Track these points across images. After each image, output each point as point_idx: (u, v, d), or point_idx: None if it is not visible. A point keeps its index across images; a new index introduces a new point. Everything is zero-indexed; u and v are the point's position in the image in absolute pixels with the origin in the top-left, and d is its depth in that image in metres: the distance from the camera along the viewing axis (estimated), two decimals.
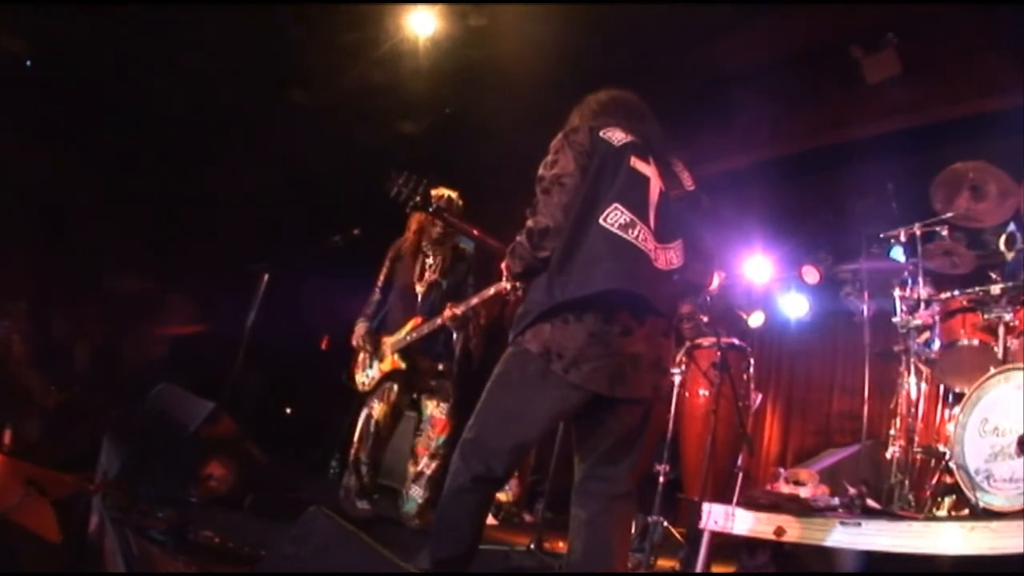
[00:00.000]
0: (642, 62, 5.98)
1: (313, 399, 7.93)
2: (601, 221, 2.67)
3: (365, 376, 5.01)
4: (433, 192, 4.64)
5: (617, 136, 2.85)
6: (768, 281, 6.72)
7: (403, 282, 5.01)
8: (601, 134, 2.85)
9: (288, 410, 8.48)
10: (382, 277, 5.10)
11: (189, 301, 7.55)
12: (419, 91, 7.11)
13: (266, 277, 5.27)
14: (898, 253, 4.94)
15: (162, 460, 3.84)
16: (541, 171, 2.82)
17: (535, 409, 2.68)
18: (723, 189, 6.63)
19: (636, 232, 2.67)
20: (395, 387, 4.92)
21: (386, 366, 4.91)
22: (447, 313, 4.68)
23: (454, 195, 4.86)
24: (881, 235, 4.94)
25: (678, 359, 5.37)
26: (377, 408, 4.89)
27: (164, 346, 7.45)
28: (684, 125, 6.27)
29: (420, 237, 5.02)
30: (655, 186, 2.82)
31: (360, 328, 5.02)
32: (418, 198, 3.75)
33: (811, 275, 6.38)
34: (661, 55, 6.20)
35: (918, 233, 4.71)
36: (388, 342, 4.94)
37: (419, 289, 4.98)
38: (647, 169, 2.83)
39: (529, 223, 2.77)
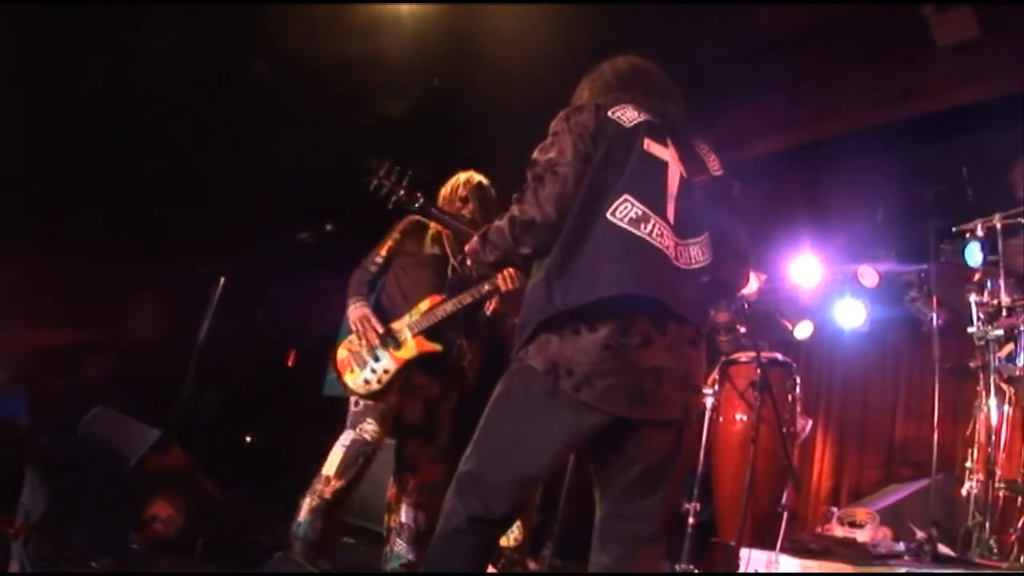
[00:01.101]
0: (664, 27, 5.93)
1: (278, 424, 7.89)
2: (608, 215, 2.65)
3: (371, 372, 4.41)
4: (457, 179, 4.62)
5: (628, 115, 2.84)
6: (818, 285, 6.70)
7: (420, 257, 4.62)
8: (610, 113, 2.83)
9: (248, 437, 8.45)
10: (384, 251, 4.65)
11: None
12: (403, 63, 7.09)
13: (222, 281, 5.25)
14: (974, 251, 4.88)
15: (97, 498, 3.81)
16: (536, 154, 2.81)
17: (542, 436, 2.64)
18: (763, 175, 6.66)
19: (650, 227, 2.65)
20: (391, 401, 4.40)
21: (407, 352, 4.40)
22: (505, 272, 4.19)
23: (485, 181, 4.65)
24: (954, 229, 4.92)
25: (711, 378, 5.35)
26: (375, 433, 4.32)
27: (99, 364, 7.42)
28: (714, 101, 6.30)
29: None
30: (674, 172, 2.80)
31: (360, 308, 4.49)
32: (402, 192, 3.71)
33: (869, 277, 6.36)
34: (686, 19, 6.16)
35: (999, 226, 4.69)
36: (398, 326, 4.46)
37: (448, 265, 4.59)
38: (664, 152, 2.81)
39: (513, 210, 2.75)
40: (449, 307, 4.37)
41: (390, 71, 7.14)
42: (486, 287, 4.29)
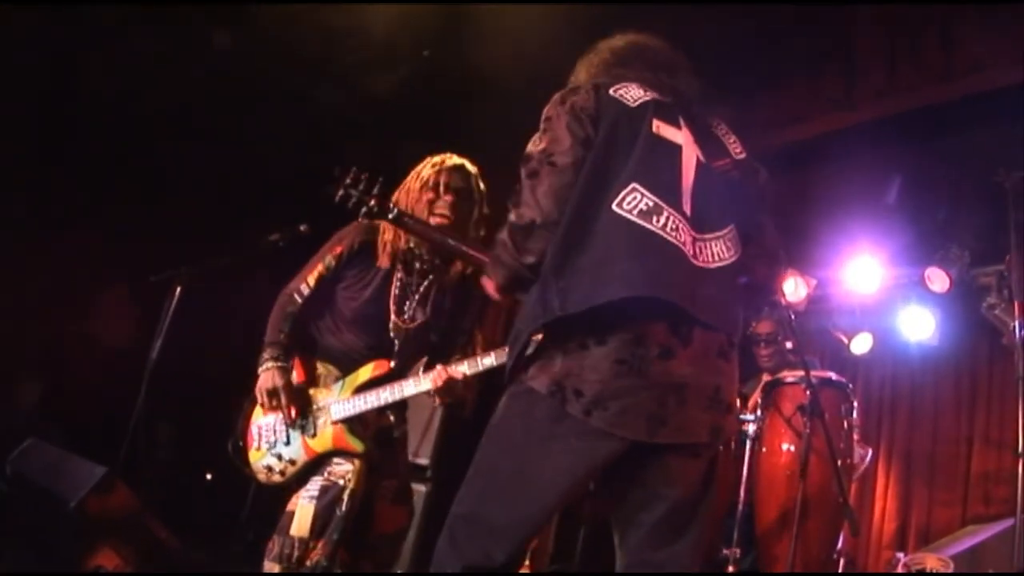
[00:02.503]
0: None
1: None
2: (614, 207, 2.64)
3: (276, 458, 4.17)
4: (424, 164, 4.35)
5: (633, 93, 2.84)
6: (878, 291, 6.69)
7: (365, 299, 4.25)
8: (612, 92, 2.83)
9: (208, 475, 8.45)
10: (313, 279, 4.22)
11: None
12: (389, 36, 7.11)
13: (178, 290, 5.26)
14: None
15: (30, 547, 3.83)
16: (529, 146, 2.81)
17: (549, 470, 2.61)
18: (812, 161, 6.65)
19: (663, 220, 2.63)
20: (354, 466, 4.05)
21: (321, 445, 4.09)
22: (441, 378, 3.93)
23: (471, 169, 4.33)
24: None
25: (752, 401, 5.34)
26: (350, 472, 4.01)
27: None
28: (751, 75, 6.30)
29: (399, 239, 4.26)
30: (689, 156, 2.79)
31: (272, 373, 4.12)
32: (372, 202, 3.71)
33: (939, 281, 6.35)
34: None
35: None
36: (322, 401, 4.16)
37: (396, 335, 4.25)
38: (677, 134, 2.81)
39: (511, 216, 2.74)
40: (385, 395, 4.04)
41: (373, 45, 7.16)
42: (420, 384, 3.97)
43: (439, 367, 3.95)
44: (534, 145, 2.80)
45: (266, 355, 4.14)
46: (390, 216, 3.85)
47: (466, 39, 7.01)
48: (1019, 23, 5.93)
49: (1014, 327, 5.03)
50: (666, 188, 2.69)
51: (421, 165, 4.35)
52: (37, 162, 7.07)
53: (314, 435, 4.08)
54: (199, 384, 7.14)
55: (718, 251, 2.73)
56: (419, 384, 3.98)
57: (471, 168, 4.38)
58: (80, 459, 4.36)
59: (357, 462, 4.02)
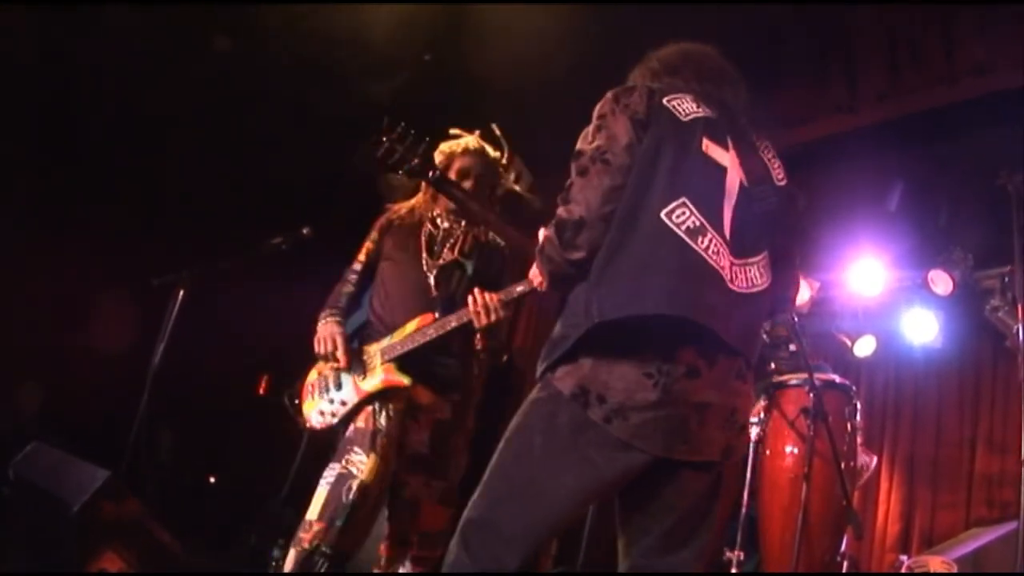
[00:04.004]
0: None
1: (247, 462, 7.90)
2: (663, 215, 2.63)
3: (328, 402, 4.35)
4: (463, 142, 4.47)
5: (685, 107, 2.83)
6: (881, 293, 6.68)
7: (402, 262, 4.51)
8: (665, 101, 2.82)
9: (211, 478, 8.45)
10: (363, 255, 4.60)
11: None
12: (389, 39, 7.11)
13: (181, 294, 5.26)
14: None
15: (31, 552, 3.81)
16: (580, 144, 2.81)
17: (566, 479, 2.62)
18: (814, 162, 6.64)
19: (706, 242, 2.63)
20: (391, 427, 4.21)
21: (371, 384, 4.27)
22: (478, 301, 4.07)
23: (491, 153, 4.52)
24: None
25: (756, 406, 5.33)
26: (364, 463, 4.11)
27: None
28: (758, 76, 6.27)
29: (429, 202, 4.62)
30: (733, 180, 2.79)
31: (329, 325, 4.45)
32: (416, 160, 3.64)
33: (942, 283, 6.34)
34: None
35: None
36: (372, 349, 4.35)
37: (430, 273, 4.46)
38: (724, 156, 2.80)
39: (560, 211, 2.74)
40: (431, 332, 4.24)
41: (375, 50, 7.16)
42: (463, 317, 4.14)
43: (475, 291, 4.08)
44: (586, 142, 2.79)
45: (324, 313, 4.49)
46: (431, 176, 3.80)
47: (466, 42, 7.01)
48: (1021, 24, 5.92)
49: (1017, 330, 5.02)
50: (710, 209, 2.70)
51: (446, 144, 4.48)
52: (37, 164, 7.07)
53: (364, 376, 4.29)
54: (202, 388, 7.15)
55: (752, 277, 2.75)
56: (461, 318, 4.14)
57: (491, 153, 4.53)
58: (83, 463, 4.34)
59: (374, 456, 4.11)
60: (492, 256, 4.58)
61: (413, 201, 4.63)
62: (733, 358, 2.70)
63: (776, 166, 2.96)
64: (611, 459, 2.59)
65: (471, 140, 4.51)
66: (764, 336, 5.79)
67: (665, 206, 2.63)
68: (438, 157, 4.38)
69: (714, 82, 2.98)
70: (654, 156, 2.71)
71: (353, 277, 4.57)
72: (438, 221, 4.58)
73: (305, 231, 5.28)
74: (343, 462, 4.12)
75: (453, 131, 4.55)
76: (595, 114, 2.84)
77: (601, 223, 2.67)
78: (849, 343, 6.46)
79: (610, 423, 2.55)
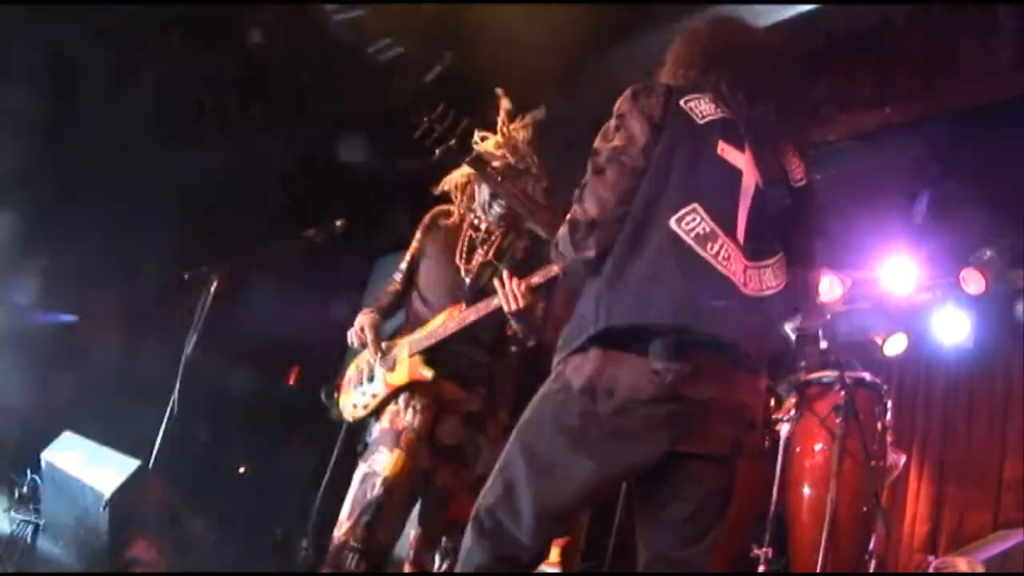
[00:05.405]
0: None
1: (276, 452, 7.92)
2: (672, 223, 2.66)
3: (361, 394, 4.48)
4: (494, 137, 4.41)
5: (703, 108, 2.85)
6: (912, 292, 6.63)
7: (440, 263, 4.55)
8: (682, 103, 2.84)
9: (242, 468, 8.47)
10: (408, 256, 4.68)
11: None
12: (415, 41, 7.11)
13: (215, 284, 5.27)
14: None
15: (64, 541, 3.83)
16: (597, 142, 2.84)
17: (575, 468, 2.68)
18: (846, 161, 6.58)
19: (716, 248, 2.67)
20: (416, 422, 4.26)
21: (398, 377, 4.33)
22: (505, 286, 3.98)
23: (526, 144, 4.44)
24: None
25: (787, 405, 5.30)
26: (387, 460, 4.15)
27: None
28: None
29: (466, 197, 4.63)
30: (749, 183, 2.81)
31: (365, 315, 4.53)
32: (453, 141, 3.60)
33: (974, 282, 6.29)
34: None
35: None
36: (402, 343, 4.42)
37: (464, 273, 4.47)
38: (739, 158, 2.82)
39: (574, 210, 2.78)
40: (452, 325, 4.26)
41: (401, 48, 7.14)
42: (494, 302, 4.08)
43: (503, 276, 4.00)
44: (604, 140, 2.83)
45: (365, 308, 4.60)
46: (468, 159, 3.74)
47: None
48: None
49: None
50: (723, 214, 2.72)
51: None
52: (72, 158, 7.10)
53: (392, 368, 4.36)
54: (232, 379, 7.16)
55: (767, 279, 2.77)
56: (489, 304, 4.11)
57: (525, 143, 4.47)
58: (114, 452, 4.37)
59: (398, 451, 4.17)
60: (530, 253, 4.49)
61: (456, 204, 4.64)
62: (743, 359, 2.74)
63: (796, 166, 2.97)
64: (619, 451, 2.65)
65: (518, 129, 4.46)
66: (791, 334, 5.76)
67: (675, 212, 2.68)
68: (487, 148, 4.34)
69: (747, 91, 2.94)
70: (668, 160, 2.75)
71: (398, 276, 4.66)
72: (476, 223, 4.59)
73: (339, 223, 5.29)
74: (369, 462, 4.22)
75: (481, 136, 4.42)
76: (615, 111, 2.86)
77: (614, 224, 2.71)
78: (880, 341, 6.41)
79: (617, 416, 2.61)
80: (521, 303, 3.97)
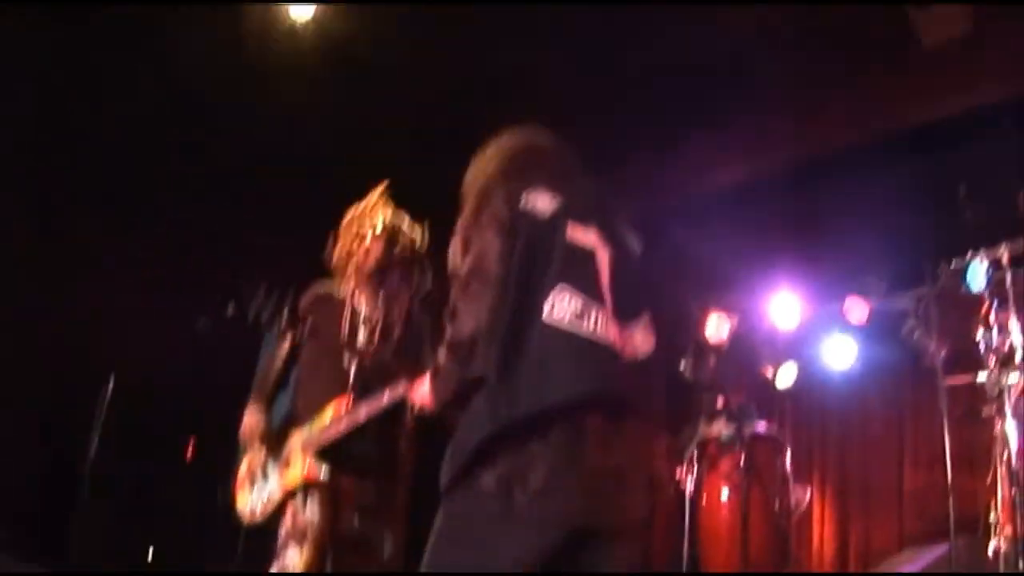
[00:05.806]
0: (587, 48, 5.87)
1: (181, 538, 7.73)
2: (545, 319, 2.70)
3: (256, 495, 4.34)
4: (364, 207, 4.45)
5: (542, 203, 2.91)
6: (799, 324, 6.74)
7: (322, 347, 4.41)
8: (523, 204, 2.89)
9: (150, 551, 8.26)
10: (289, 335, 4.47)
11: None
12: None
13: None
14: (977, 273, 4.90)
15: None
16: (451, 263, 2.87)
17: (502, 563, 2.59)
18: (733, 206, 6.67)
19: (591, 320, 2.72)
20: (316, 517, 4.13)
21: (292, 477, 4.19)
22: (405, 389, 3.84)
23: (398, 222, 4.48)
24: (953, 259, 4.95)
25: (688, 455, 5.34)
26: (297, 558, 4.07)
27: None
28: (678, 127, 6.32)
29: (351, 283, 4.51)
30: (603, 257, 2.88)
31: (252, 416, 4.41)
32: (283, 321, 3.78)
33: (857, 310, 6.41)
34: (621, 29, 6.10)
35: (1005, 258, 4.72)
36: (294, 441, 4.26)
37: (348, 359, 4.30)
38: (588, 238, 2.88)
39: (449, 333, 2.79)
40: (344, 423, 4.12)
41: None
42: (395, 392, 3.94)
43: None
44: (458, 259, 2.84)
45: (251, 399, 4.43)
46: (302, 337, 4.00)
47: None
48: None
49: (934, 349, 5.08)
50: (588, 289, 2.76)
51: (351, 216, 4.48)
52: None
53: (287, 465, 4.20)
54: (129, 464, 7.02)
55: (639, 341, 2.84)
56: (380, 402, 4.00)
57: (400, 224, 4.48)
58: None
59: (307, 547, 4.07)
60: (413, 337, 4.50)
61: (337, 282, 4.55)
62: (640, 423, 2.78)
63: (631, 236, 3.04)
64: (541, 534, 2.60)
65: (381, 215, 4.45)
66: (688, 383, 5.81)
67: (546, 307, 2.70)
68: (339, 240, 4.44)
69: (560, 176, 3.04)
70: (526, 261, 2.78)
71: (281, 354, 4.50)
72: (357, 306, 4.50)
73: (230, 310, 5.23)
74: (280, 564, 4.10)
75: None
76: (459, 228, 2.90)
77: (492, 335, 2.71)
78: (771, 374, 6.49)
79: (536, 504, 2.57)
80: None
